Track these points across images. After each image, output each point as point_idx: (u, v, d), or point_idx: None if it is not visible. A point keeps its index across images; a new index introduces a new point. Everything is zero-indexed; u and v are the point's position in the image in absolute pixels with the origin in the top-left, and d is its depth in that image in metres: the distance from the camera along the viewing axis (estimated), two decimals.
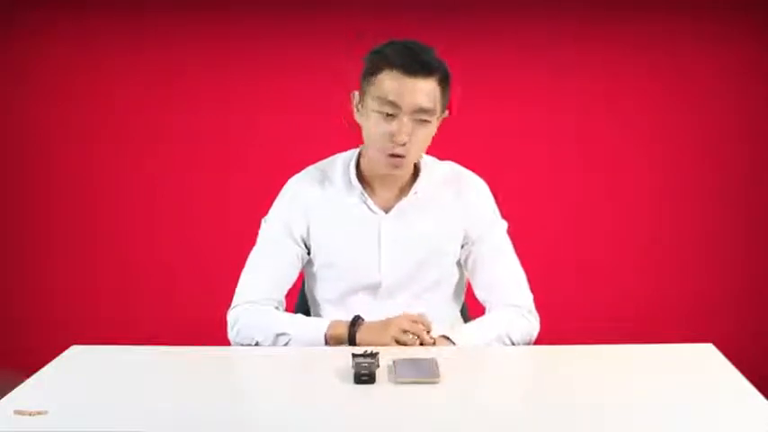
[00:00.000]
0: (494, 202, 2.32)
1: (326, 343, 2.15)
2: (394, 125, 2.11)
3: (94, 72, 3.80)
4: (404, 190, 2.26)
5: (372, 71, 2.14)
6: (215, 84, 3.80)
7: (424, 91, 2.11)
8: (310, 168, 2.33)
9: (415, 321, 2.11)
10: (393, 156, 2.13)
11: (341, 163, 2.29)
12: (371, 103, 2.13)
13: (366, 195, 2.25)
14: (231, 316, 2.26)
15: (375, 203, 2.25)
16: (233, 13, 3.76)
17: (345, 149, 2.32)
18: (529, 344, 2.24)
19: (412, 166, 2.24)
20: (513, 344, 2.21)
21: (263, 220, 2.32)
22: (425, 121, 2.12)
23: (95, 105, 3.82)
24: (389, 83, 2.11)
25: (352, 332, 2.13)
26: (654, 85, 3.77)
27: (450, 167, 2.32)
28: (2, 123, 3.84)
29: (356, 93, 2.19)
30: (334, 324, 2.15)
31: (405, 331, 2.09)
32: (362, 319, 2.15)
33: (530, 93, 3.79)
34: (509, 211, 2.34)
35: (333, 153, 2.34)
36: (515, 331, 2.22)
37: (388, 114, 2.11)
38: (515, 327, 2.23)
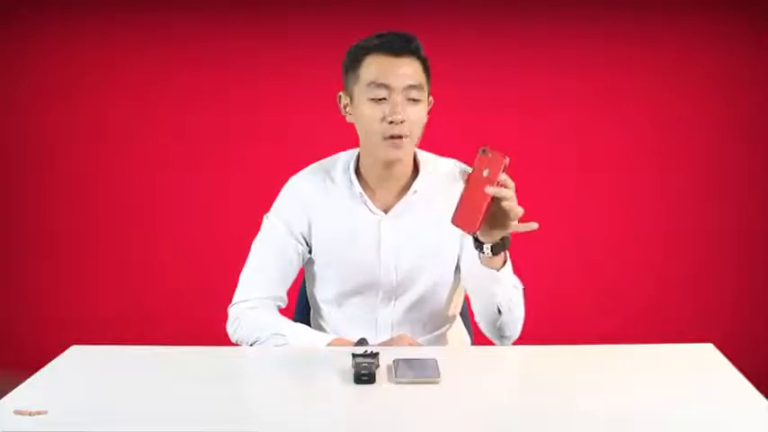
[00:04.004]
0: None
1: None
2: (387, 106, 2.12)
3: (94, 72, 3.81)
4: (403, 190, 2.25)
5: (356, 62, 2.16)
6: (215, 84, 3.81)
7: (411, 68, 2.13)
8: (313, 166, 2.33)
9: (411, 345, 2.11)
10: (392, 137, 2.13)
11: (342, 162, 2.29)
12: (362, 93, 2.14)
13: (366, 196, 2.25)
14: (232, 312, 2.26)
15: (375, 204, 2.25)
16: (233, 13, 3.77)
17: (345, 149, 2.32)
18: (512, 331, 2.19)
19: (412, 152, 2.21)
20: (515, 312, 2.16)
21: (264, 217, 2.32)
22: (416, 99, 2.13)
23: (95, 105, 3.82)
24: (376, 66, 2.13)
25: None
26: (654, 84, 3.78)
27: (454, 164, 2.29)
28: (2, 123, 3.84)
29: (341, 94, 2.20)
30: (336, 342, 2.14)
31: None
32: (367, 342, 2.14)
33: (530, 93, 3.79)
34: None
35: (333, 152, 2.34)
36: (520, 301, 2.18)
37: (380, 99, 2.12)
38: (521, 301, 2.19)
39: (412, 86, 2.12)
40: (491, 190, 1.91)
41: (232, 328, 2.25)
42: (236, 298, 2.28)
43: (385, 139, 2.14)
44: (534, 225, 1.96)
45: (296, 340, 2.15)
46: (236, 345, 2.24)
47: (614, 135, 3.81)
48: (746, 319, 3.83)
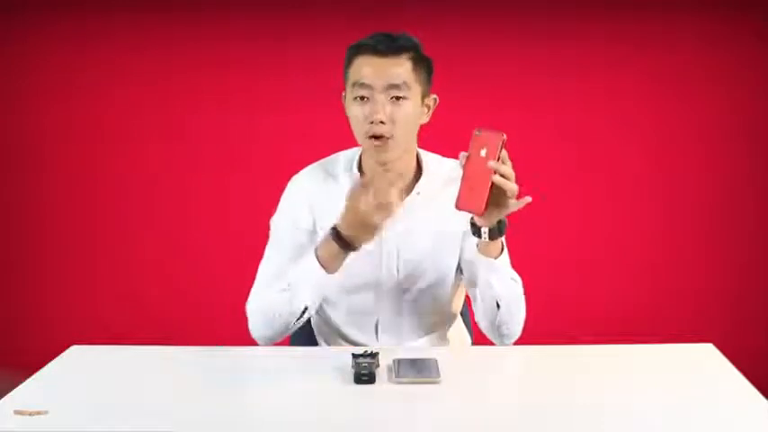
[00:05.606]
0: None
1: (323, 266, 2.12)
2: (368, 106, 2.13)
3: (94, 72, 3.80)
4: (406, 190, 2.24)
5: (348, 63, 2.18)
6: (215, 84, 3.80)
7: (394, 68, 2.13)
8: (313, 166, 2.33)
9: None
10: (373, 137, 2.13)
11: (343, 161, 2.29)
12: (349, 93, 2.16)
13: None
14: (248, 309, 2.21)
15: None
16: (233, 13, 3.77)
17: (345, 149, 2.32)
18: (512, 330, 2.18)
19: (403, 152, 2.19)
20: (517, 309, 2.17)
21: (271, 221, 2.31)
22: (401, 98, 2.13)
23: (95, 105, 3.82)
24: (361, 67, 2.14)
25: (334, 233, 2.09)
26: (654, 85, 3.77)
27: (457, 165, 2.29)
28: (2, 123, 3.84)
29: (343, 93, 2.22)
30: (320, 246, 2.12)
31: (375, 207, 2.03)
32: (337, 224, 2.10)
33: (530, 92, 3.79)
34: None
35: (333, 152, 2.34)
36: (520, 297, 2.17)
37: (362, 98, 2.13)
38: (521, 298, 2.18)
39: (394, 85, 2.12)
40: (493, 164, 1.90)
41: (252, 322, 2.20)
42: (250, 297, 2.23)
43: (368, 138, 2.14)
44: (528, 199, 1.97)
45: (299, 285, 2.12)
46: (256, 344, 2.20)
47: (614, 135, 3.80)
48: (746, 319, 3.82)
